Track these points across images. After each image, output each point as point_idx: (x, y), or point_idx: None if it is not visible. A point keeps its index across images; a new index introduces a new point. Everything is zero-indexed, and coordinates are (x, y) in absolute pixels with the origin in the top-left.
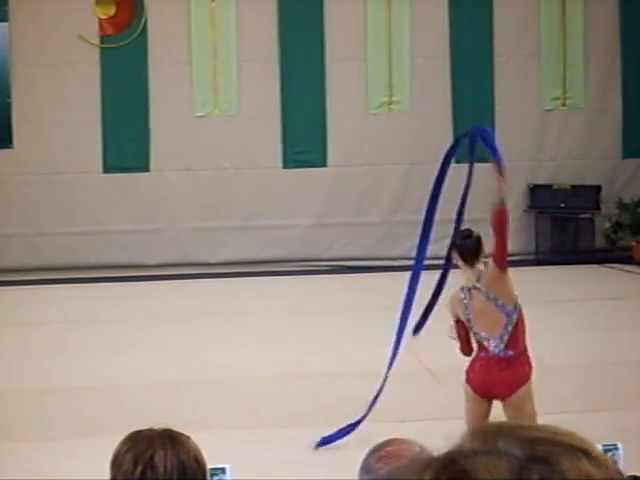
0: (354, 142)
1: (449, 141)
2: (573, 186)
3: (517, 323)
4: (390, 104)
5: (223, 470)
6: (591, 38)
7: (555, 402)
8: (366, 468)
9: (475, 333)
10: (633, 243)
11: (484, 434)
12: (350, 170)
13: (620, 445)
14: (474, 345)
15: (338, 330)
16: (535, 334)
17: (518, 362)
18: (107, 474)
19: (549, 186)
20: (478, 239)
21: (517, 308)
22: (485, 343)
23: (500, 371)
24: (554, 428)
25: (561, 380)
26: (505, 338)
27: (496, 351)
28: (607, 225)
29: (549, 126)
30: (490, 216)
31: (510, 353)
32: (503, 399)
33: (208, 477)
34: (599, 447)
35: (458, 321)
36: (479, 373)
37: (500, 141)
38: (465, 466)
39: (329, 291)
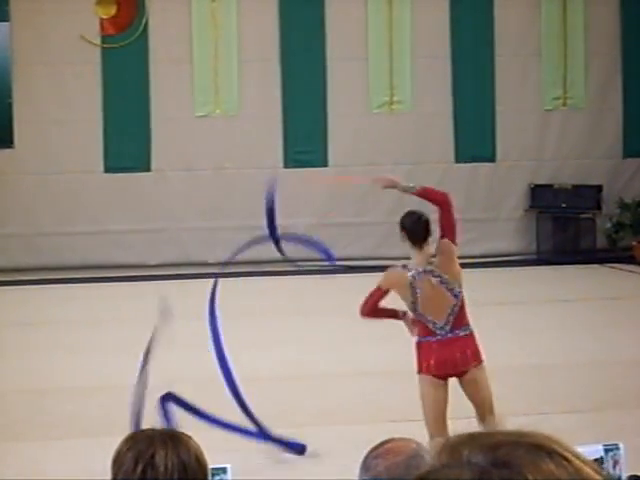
0: (355, 142)
1: (450, 140)
2: (574, 186)
3: (462, 302)
4: (391, 104)
5: (224, 470)
6: (592, 38)
7: (555, 402)
8: (365, 467)
9: (420, 315)
10: (634, 243)
11: (451, 447)
12: (351, 170)
13: (621, 445)
14: (416, 329)
15: (338, 330)
16: (536, 333)
17: (469, 339)
18: (108, 474)
19: (550, 186)
20: (427, 221)
21: (461, 287)
22: (430, 326)
23: (456, 348)
24: (518, 432)
25: (561, 380)
26: (451, 319)
27: (443, 333)
28: (608, 225)
29: (550, 126)
30: (434, 196)
31: (458, 332)
32: (462, 375)
33: (209, 477)
34: (600, 447)
35: (380, 291)
36: (437, 355)
37: (501, 141)
38: None
39: (330, 291)
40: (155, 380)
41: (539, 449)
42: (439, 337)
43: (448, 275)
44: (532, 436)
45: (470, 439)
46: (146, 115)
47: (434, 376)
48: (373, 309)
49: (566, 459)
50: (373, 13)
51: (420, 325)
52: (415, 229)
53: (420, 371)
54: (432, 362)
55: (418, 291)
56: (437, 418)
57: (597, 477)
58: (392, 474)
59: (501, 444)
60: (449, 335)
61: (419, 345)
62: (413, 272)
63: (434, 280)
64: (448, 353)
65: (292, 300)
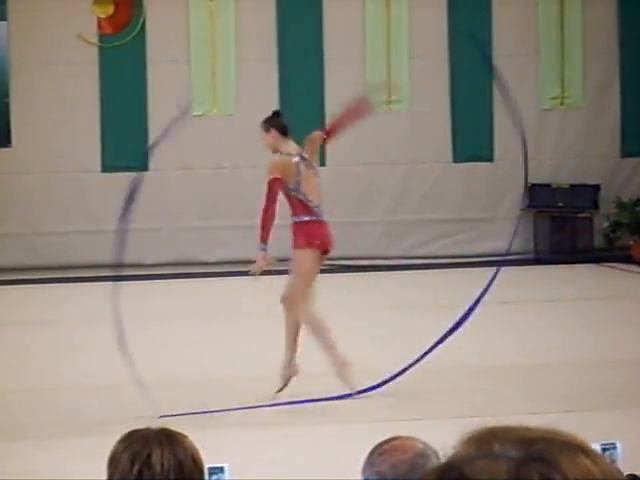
0: (352, 141)
1: (447, 140)
2: (572, 185)
3: None
4: (389, 103)
5: (222, 469)
6: (589, 38)
7: (554, 401)
8: (369, 463)
9: (303, 194)
10: (631, 242)
11: (478, 439)
12: (348, 170)
13: (619, 444)
14: (299, 207)
15: (337, 329)
16: (533, 333)
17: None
18: (105, 474)
19: (548, 185)
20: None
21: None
22: (310, 205)
23: (329, 228)
24: (547, 428)
25: (560, 379)
26: (320, 202)
27: (319, 213)
28: (606, 224)
29: (548, 125)
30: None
31: (323, 215)
32: (327, 253)
33: (207, 476)
34: (597, 446)
35: (278, 180)
36: (323, 231)
37: (499, 140)
38: (463, 470)
39: (327, 290)
40: (154, 379)
41: (573, 445)
42: (318, 217)
43: (314, 162)
44: (561, 433)
45: (499, 432)
46: (144, 114)
47: (319, 251)
48: (275, 201)
49: (598, 456)
50: (371, 13)
51: (300, 205)
52: (283, 124)
53: (306, 246)
54: (319, 240)
55: (301, 173)
56: (309, 290)
57: (621, 477)
58: (397, 472)
59: (533, 439)
60: (322, 216)
61: (303, 223)
62: (297, 158)
63: (308, 165)
64: (327, 232)
65: None
